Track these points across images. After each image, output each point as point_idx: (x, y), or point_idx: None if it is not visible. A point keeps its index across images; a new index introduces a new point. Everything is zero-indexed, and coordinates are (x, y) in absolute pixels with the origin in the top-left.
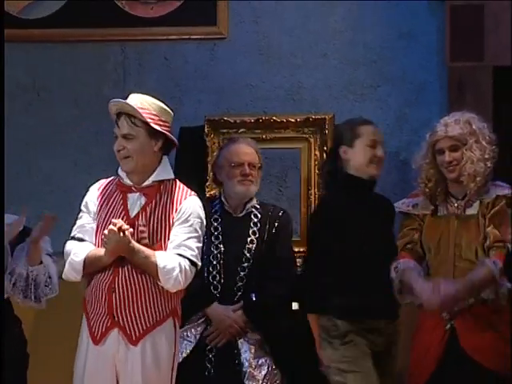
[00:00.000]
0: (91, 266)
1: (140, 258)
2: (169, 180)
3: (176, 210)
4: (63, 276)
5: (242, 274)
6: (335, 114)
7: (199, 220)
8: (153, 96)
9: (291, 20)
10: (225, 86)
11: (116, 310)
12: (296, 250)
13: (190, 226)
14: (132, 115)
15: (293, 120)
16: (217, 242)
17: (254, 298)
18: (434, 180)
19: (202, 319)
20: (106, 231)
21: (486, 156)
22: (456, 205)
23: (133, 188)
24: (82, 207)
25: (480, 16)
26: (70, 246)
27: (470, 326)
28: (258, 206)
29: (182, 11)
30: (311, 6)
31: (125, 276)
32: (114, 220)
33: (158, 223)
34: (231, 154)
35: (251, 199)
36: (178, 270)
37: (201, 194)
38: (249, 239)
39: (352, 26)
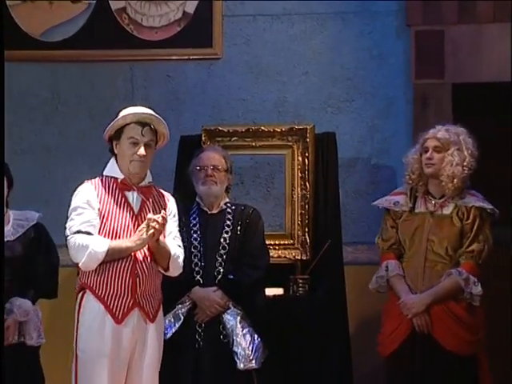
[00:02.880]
0: (113, 256)
1: (160, 247)
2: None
3: (166, 206)
4: (82, 266)
5: (219, 259)
6: (315, 125)
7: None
8: (156, 108)
9: (278, 43)
10: (220, 100)
11: (138, 292)
12: (281, 242)
13: (176, 220)
14: (151, 125)
15: (278, 130)
16: (195, 235)
17: (231, 277)
18: (418, 173)
19: (189, 300)
20: (159, 220)
21: (465, 163)
22: (433, 203)
23: (134, 187)
24: (82, 204)
25: (441, 40)
26: (83, 239)
27: (440, 313)
28: (231, 205)
29: (182, 35)
30: (295, 30)
31: (143, 262)
32: (150, 215)
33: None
34: (198, 159)
35: (223, 198)
36: (182, 257)
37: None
38: (223, 231)
39: (330, 49)
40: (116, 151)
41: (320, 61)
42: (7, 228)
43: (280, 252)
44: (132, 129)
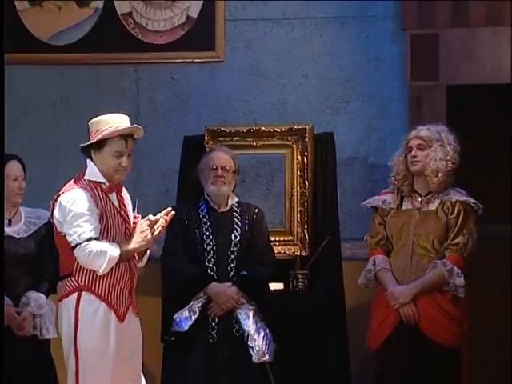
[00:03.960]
0: (122, 258)
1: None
2: None
3: (127, 197)
4: (102, 271)
5: (232, 256)
6: (314, 125)
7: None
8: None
9: (278, 46)
10: (222, 102)
11: (134, 289)
12: (282, 238)
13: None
14: (132, 136)
15: (279, 130)
16: (207, 233)
17: (245, 273)
18: (403, 175)
19: (204, 296)
20: (163, 220)
21: (448, 158)
22: (419, 200)
23: (113, 188)
24: (86, 211)
25: (435, 43)
26: (100, 246)
27: (426, 305)
28: (237, 204)
29: (186, 39)
30: (295, 34)
31: (134, 260)
32: (151, 216)
33: (129, 212)
34: (208, 159)
35: (232, 197)
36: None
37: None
38: (234, 229)
39: (329, 52)
40: (94, 158)
41: (319, 63)
42: (19, 225)
43: (280, 248)
44: (116, 143)
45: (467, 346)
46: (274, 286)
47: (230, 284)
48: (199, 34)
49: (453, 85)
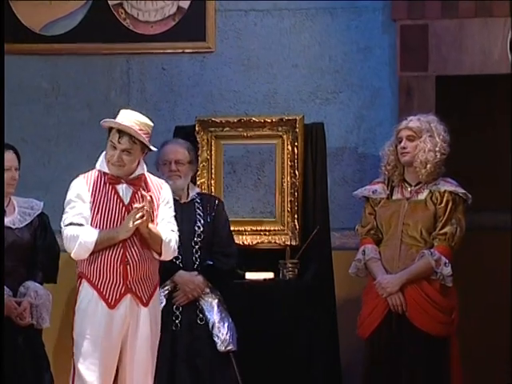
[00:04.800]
0: (102, 245)
1: (151, 233)
2: (145, 173)
3: (159, 194)
4: (73, 255)
5: (196, 247)
6: (304, 115)
7: (173, 201)
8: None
9: (268, 37)
10: (213, 92)
11: (130, 279)
12: (272, 228)
13: (170, 207)
14: (131, 137)
15: (269, 120)
16: None
17: (211, 263)
18: (393, 165)
19: (170, 284)
20: (143, 209)
21: (437, 148)
22: (409, 190)
23: (122, 180)
24: (74, 198)
25: (425, 34)
26: (74, 230)
27: (413, 294)
28: (198, 195)
29: (176, 29)
30: (285, 25)
31: (133, 250)
32: (136, 204)
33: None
34: (162, 153)
35: (192, 188)
36: (174, 241)
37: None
38: (197, 219)
39: (319, 42)
40: None
41: (309, 54)
42: (13, 216)
43: (270, 238)
44: (113, 134)
45: (456, 334)
46: (264, 275)
47: (196, 273)
48: (190, 25)
49: (442, 75)
